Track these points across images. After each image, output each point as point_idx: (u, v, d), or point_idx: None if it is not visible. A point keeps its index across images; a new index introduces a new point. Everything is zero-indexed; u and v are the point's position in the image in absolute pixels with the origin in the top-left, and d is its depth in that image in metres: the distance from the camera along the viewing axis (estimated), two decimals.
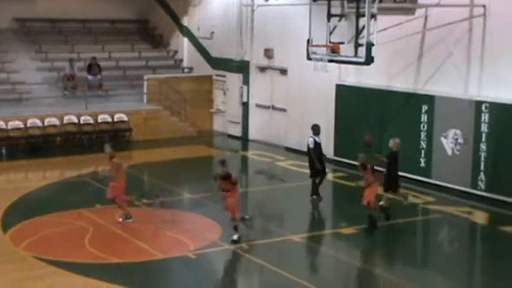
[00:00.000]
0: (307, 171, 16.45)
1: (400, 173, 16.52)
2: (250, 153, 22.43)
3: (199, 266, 12.33)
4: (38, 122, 22.12)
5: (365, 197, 13.98)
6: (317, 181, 16.21)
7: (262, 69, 23.59)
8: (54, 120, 22.35)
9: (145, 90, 25.02)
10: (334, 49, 15.53)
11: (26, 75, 24.44)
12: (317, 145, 16.12)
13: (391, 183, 14.97)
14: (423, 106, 17.65)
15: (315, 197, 16.12)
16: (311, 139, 16.12)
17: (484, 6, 16.45)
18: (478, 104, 16.39)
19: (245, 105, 24.06)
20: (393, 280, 11.69)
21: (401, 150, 15.24)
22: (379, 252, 13.33)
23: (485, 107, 16.26)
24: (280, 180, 19.30)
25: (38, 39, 26.37)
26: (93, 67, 24.91)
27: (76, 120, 22.67)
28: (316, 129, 16.26)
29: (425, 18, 17.60)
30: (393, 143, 15.29)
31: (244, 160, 22.40)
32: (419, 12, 17.52)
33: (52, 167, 20.62)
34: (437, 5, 16.91)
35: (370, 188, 13.97)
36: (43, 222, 14.58)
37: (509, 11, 16.00)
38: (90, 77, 24.87)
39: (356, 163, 18.82)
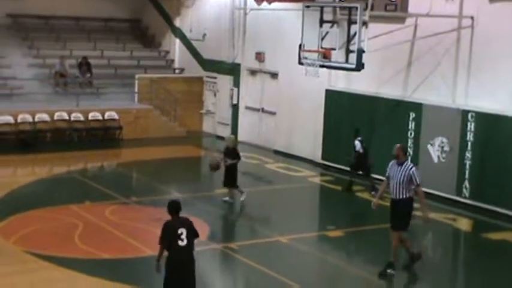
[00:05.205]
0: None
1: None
2: None
3: None
4: (29, 118, 22.22)
5: None
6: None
7: (253, 72, 23.82)
8: (45, 116, 22.47)
9: (136, 90, 25.17)
10: (325, 55, 15.82)
11: (17, 70, 24.54)
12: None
13: (226, 179, 16.06)
14: (411, 113, 17.92)
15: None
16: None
17: (472, 17, 16.77)
18: (465, 113, 16.69)
19: (235, 107, 24.29)
20: (375, 282, 11.93)
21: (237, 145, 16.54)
22: (364, 254, 13.56)
23: (471, 116, 16.56)
24: (267, 182, 19.52)
25: (30, 35, 26.48)
26: (82, 66, 25.03)
27: (67, 117, 22.79)
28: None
29: (415, 27, 17.90)
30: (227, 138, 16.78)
31: None
32: (410, 21, 17.85)
33: (42, 162, 20.74)
34: (427, 15, 17.21)
35: None
36: (33, 217, 14.71)
37: (496, 22, 16.31)
38: (79, 75, 25.02)
39: (343, 167, 19.14)
